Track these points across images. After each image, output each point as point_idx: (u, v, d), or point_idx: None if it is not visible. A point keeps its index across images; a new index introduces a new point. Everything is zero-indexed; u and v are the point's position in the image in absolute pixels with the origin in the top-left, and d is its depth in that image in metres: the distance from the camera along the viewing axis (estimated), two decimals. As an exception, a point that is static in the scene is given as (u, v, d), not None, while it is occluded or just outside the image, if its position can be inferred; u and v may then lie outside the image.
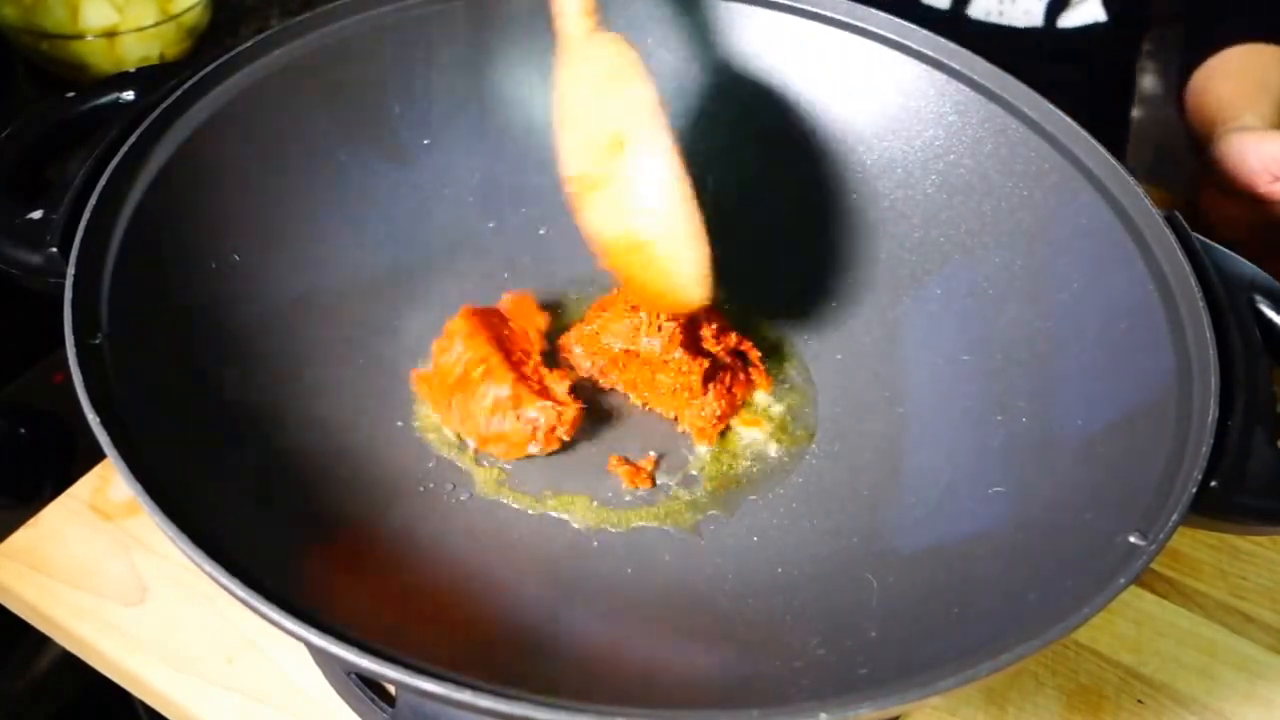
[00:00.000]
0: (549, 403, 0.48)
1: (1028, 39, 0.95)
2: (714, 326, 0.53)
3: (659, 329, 0.51)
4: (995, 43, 0.94)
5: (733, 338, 0.54)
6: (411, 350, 0.53)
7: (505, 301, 0.53)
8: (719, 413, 0.51)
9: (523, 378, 0.49)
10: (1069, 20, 0.94)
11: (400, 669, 0.32)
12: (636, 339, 0.51)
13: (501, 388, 0.48)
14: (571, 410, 0.48)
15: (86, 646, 0.48)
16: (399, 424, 0.50)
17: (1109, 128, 1.06)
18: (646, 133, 0.44)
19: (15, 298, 0.49)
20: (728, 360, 0.53)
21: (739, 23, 0.58)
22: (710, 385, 0.51)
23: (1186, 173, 1.08)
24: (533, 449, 0.48)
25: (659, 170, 0.44)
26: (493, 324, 0.51)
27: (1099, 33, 0.95)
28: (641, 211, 0.45)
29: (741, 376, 0.53)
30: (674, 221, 0.45)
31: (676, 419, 0.52)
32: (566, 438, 0.49)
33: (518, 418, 0.48)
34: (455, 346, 0.50)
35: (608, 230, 0.46)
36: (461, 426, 0.49)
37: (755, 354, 0.54)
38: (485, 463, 0.49)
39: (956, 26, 0.95)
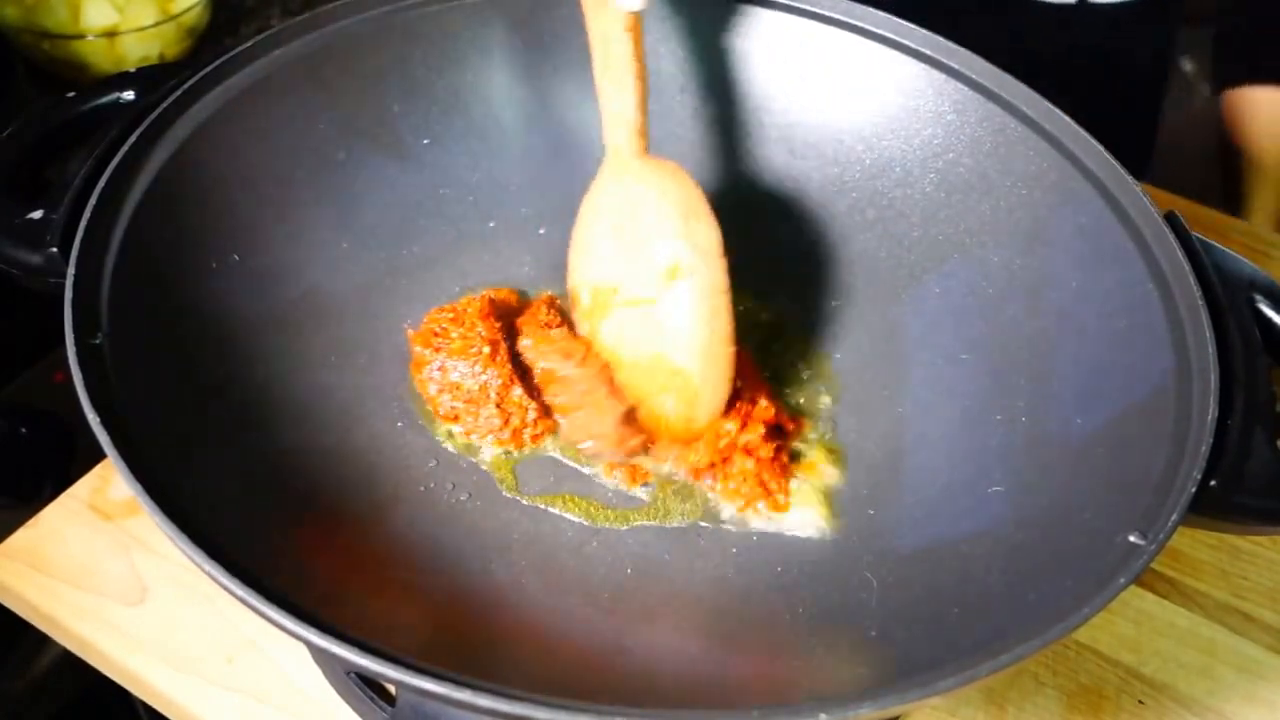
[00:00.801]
0: (533, 404, 0.50)
1: (1062, 14, 0.96)
2: (749, 406, 0.50)
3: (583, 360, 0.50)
4: (1033, 19, 0.95)
5: (762, 408, 0.49)
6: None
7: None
8: (755, 495, 0.48)
9: (518, 372, 0.50)
10: None
11: (400, 669, 0.32)
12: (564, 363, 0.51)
13: (496, 376, 0.49)
14: (540, 426, 0.50)
15: (87, 646, 0.48)
16: (399, 424, 0.50)
17: (1139, 116, 1.07)
18: (709, 272, 0.46)
19: (15, 298, 0.49)
20: (755, 446, 0.49)
21: (738, 22, 0.58)
22: (726, 469, 0.49)
23: (1187, 172, 1.08)
24: (490, 439, 0.50)
25: (715, 310, 0.46)
26: (508, 312, 0.53)
27: (1130, 13, 0.95)
28: (685, 343, 0.47)
29: (778, 461, 0.49)
30: (714, 360, 0.47)
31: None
32: (531, 444, 0.50)
33: (498, 404, 0.49)
34: (467, 321, 0.51)
35: (635, 347, 0.49)
36: (438, 393, 0.50)
37: (790, 425, 0.51)
38: (489, 452, 0.49)
39: (992, 3, 0.96)
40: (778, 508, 0.48)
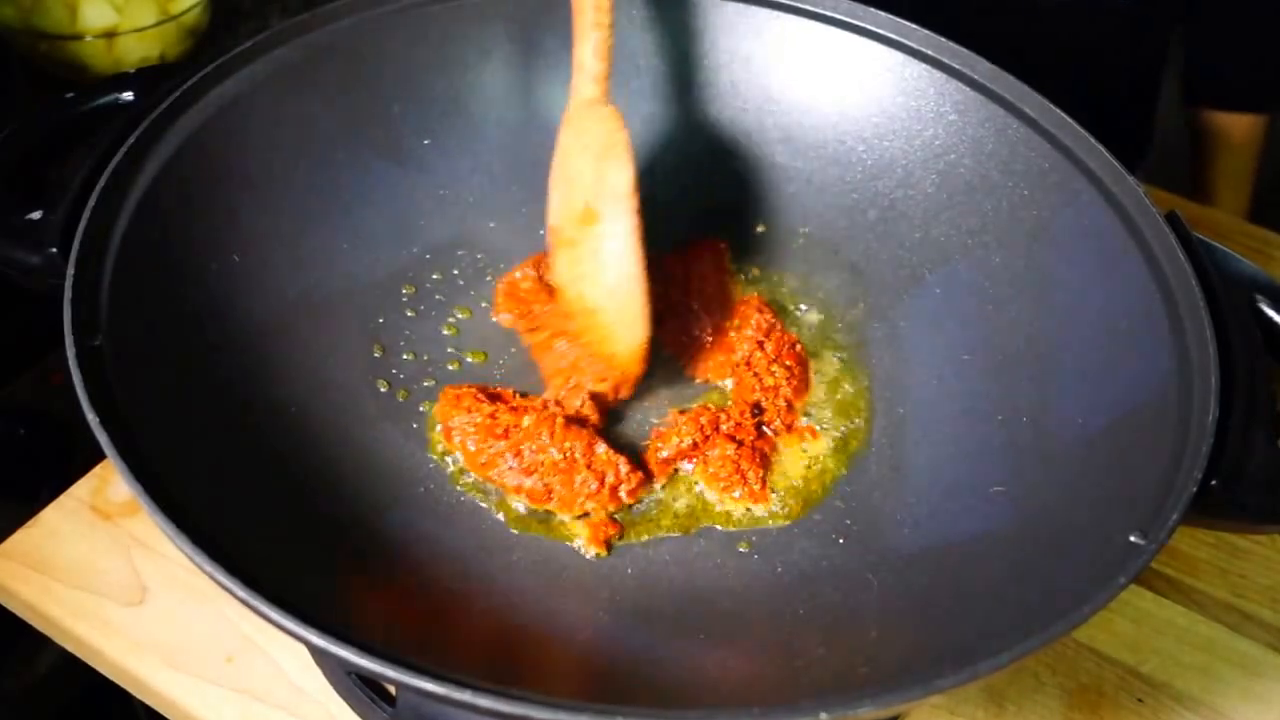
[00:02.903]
0: (621, 456, 0.47)
1: (1059, 14, 0.99)
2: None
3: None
4: (1029, 17, 0.98)
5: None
6: (411, 350, 0.53)
7: None
8: (733, 482, 0.48)
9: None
10: None
11: (400, 669, 0.32)
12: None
13: (577, 438, 0.47)
14: (634, 479, 0.48)
15: (86, 647, 0.48)
16: (399, 424, 0.50)
17: (1137, 109, 1.10)
18: (616, 214, 0.48)
19: (15, 298, 0.49)
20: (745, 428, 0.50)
21: (738, 22, 0.58)
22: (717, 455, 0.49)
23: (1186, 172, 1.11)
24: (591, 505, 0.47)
25: (618, 252, 0.48)
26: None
27: (1124, 10, 0.98)
28: (597, 283, 0.49)
29: (758, 450, 0.49)
30: (621, 301, 0.48)
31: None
32: (629, 499, 0.48)
33: (589, 466, 0.47)
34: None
35: (569, 286, 0.50)
36: (519, 482, 0.47)
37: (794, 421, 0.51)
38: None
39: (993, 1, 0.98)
40: (755, 498, 0.48)
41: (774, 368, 0.52)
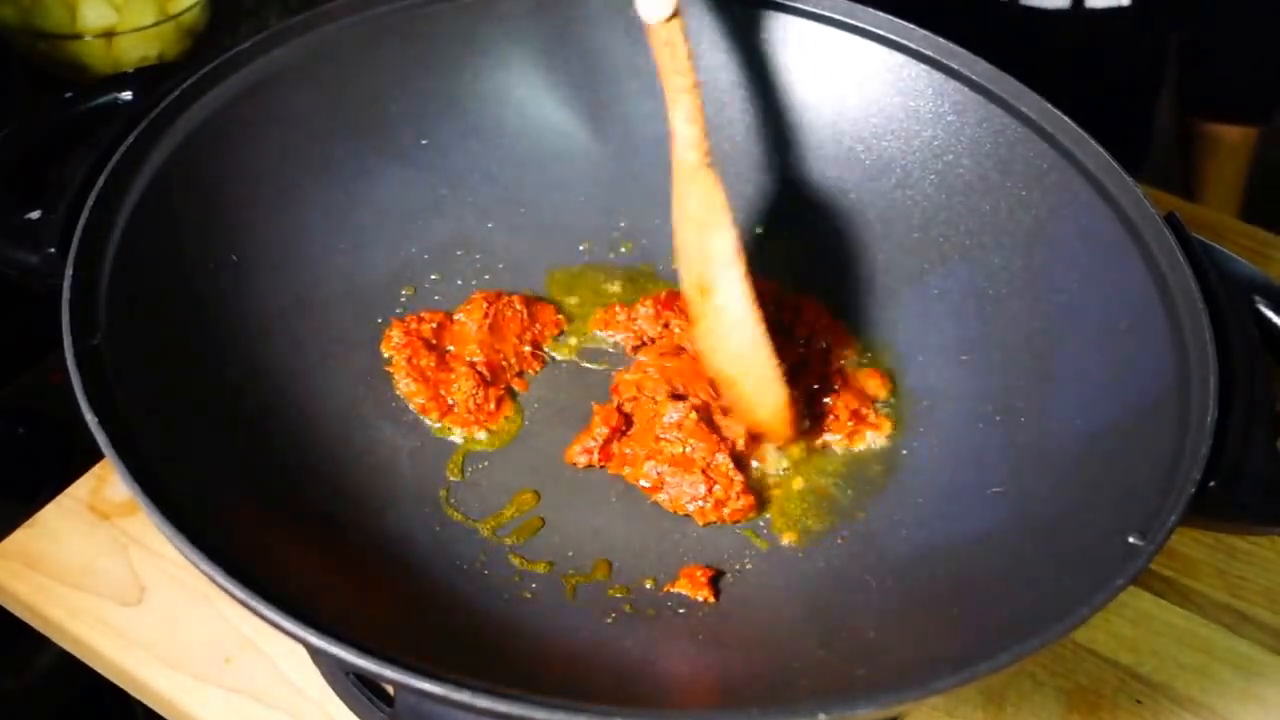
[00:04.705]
0: (739, 476, 0.48)
1: (1056, 22, 0.98)
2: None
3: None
4: (1026, 25, 0.98)
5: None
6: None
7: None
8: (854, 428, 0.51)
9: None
10: (1096, 1, 0.96)
11: (399, 669, 0.32)
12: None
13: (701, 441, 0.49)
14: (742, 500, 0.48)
15: (84, 646, 0.48)
16: (396, 425, 0.50)
17: (1135, 116, 1.10)
18: (725, 283, 0.47)
19: (14, 298, 0.49)
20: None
21: (735, 23, 0.58)
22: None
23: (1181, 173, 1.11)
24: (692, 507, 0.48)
25: (735, 320, 0.47)
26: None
27: (1124, 18, 0.98)
28: (726, 353, 0.49)
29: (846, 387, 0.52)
30: (749, 367, 0.48)
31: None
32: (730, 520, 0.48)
33: (704, 471, 0.48)
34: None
35: (708, 359, 0.50)
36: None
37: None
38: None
39: (988, 8, 0.98)
40: (875, 425, 0.51)
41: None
